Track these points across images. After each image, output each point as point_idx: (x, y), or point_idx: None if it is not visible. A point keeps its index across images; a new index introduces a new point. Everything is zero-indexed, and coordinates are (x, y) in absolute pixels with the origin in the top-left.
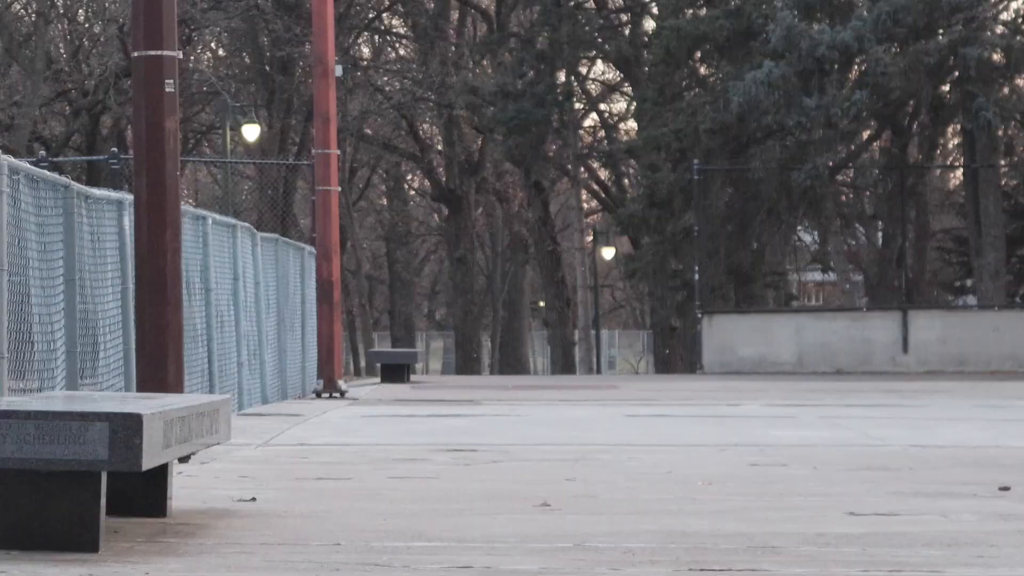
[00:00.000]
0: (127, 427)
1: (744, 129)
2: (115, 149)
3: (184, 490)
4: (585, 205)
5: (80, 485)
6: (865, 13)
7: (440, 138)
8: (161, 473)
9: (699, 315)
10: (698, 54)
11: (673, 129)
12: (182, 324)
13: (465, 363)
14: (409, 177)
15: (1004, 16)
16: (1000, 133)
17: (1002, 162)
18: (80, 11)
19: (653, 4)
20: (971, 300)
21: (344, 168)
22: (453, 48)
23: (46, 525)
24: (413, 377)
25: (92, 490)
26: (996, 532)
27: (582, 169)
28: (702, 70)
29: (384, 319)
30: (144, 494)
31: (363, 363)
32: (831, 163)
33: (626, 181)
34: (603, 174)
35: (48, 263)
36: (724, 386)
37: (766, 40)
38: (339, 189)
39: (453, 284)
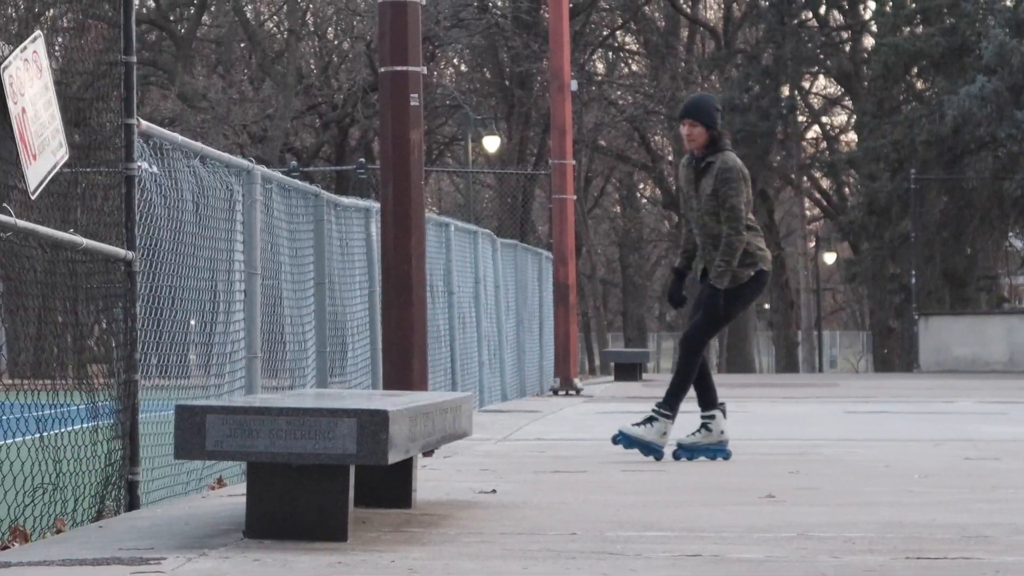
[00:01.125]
0: (374, 423)
1: (958, 141)
2: (362, 160)
3: (428, 482)
4: (807, 212)
5: (329, 478)
6: None
7: (670, 148)
8: (406, 466)
9: (916, 317)
10: (914, 69)
11: (891, 140)
12: (426, 325)
13: None
14: (641, 186)
15: None
16: None
17: None
18: (330, 29)
19: (872, 22)
20: None
21: (579, 177)
22: (683, 64)
23: (297, 515)
24: (645, 376)
25: (341, 482)
26: None
27: (805, 178)
28: (918, 85)
29: (617, 321)
30: (390, 486)
31: (597, 362)
32: None
33: (846, 190)
34: (824, 183)
35: (300, 267)
36: (939, 384)
37: (979, 56)
38: (574, 197)
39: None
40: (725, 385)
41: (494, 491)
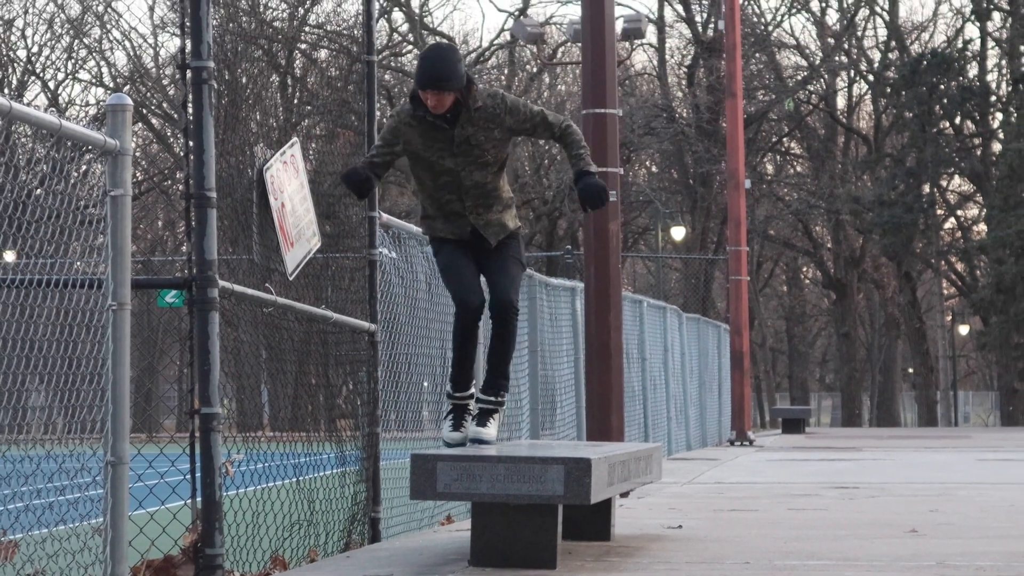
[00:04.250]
0: (579, 469)
1: None
2: (569, 246)
3: (624, 519)
4: (945, 291)
5: (541, 515)
6: None
7: (829, 237)
8: (605, 505)
9: None
10: None
11: (1016, 230)
12: (623, 386)
13: (848, 418)
14: (804, 268)
15: None
16: None
17: None
18: None
19: (1000, 130)
20: None
21: (752, 261)
22: (839, 165)
23: (514, 547)
24: (807, 429)
25: (551, 519)
26: None
27: (943, 262)
28: None
29: (784, 382)
30: (592, 522)
31: (767, 417)
32: None
33: (978, 272)
34: (959, 266)
35: (517, 338)
36: None
37: None
38: (748, 278)
39: (839, 354)
40: (875, 437)
41: (680, 526)
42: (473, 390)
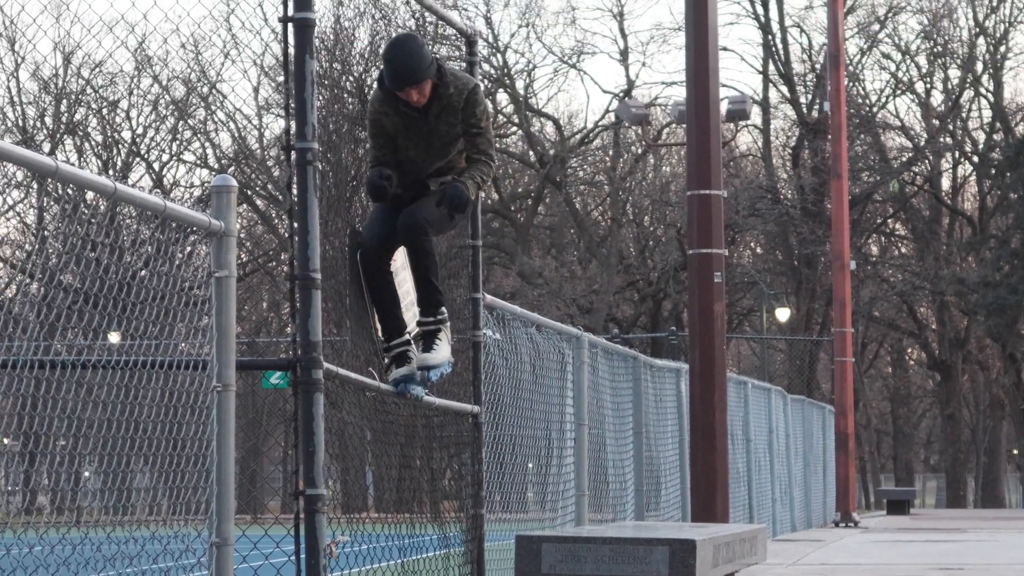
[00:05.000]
0: (683, 550)
1: None
2: (674, 328)
3: None
4: None
5: None
6: None
7: (934, 319)
8: None
9: None
10: None
11: None
12: (727, 467)
13: (953, 499)
14: (908, 350)
15: None
16: None
17: None
18: (646, 217)
19: None
20: None
21: (857, 342)
22: (944, 246)
23: None
24: (912, 510)
25: None
26: None
27: None
28: None
29: (889, 464)
30: None
31: (872, 499)
32: None
33: None
34: None
35: (620, 419)
36: None
37: None
38: (853, 360)
39: (944, 435)
40: (979, 518)
41: None
42: (408, 336)
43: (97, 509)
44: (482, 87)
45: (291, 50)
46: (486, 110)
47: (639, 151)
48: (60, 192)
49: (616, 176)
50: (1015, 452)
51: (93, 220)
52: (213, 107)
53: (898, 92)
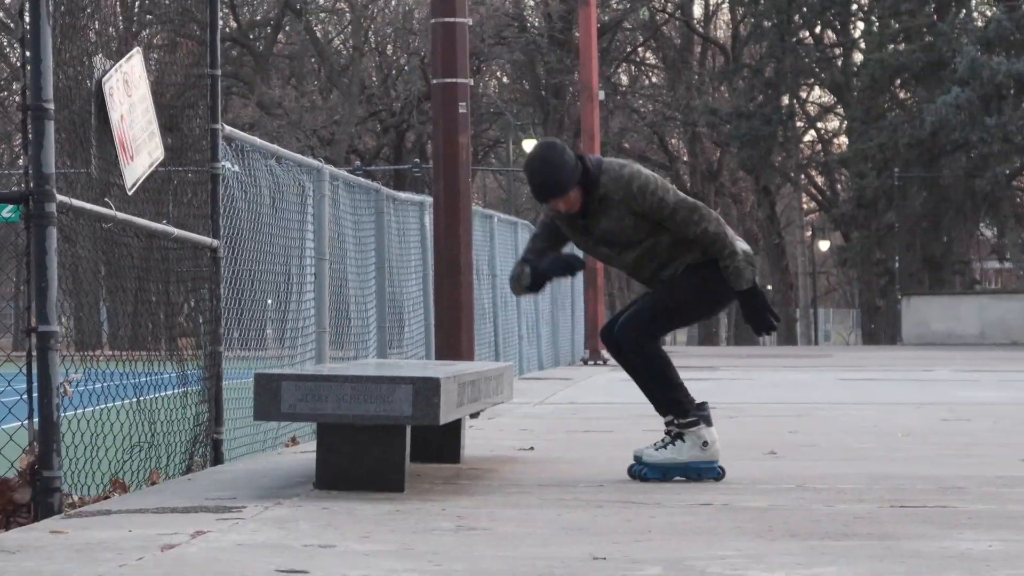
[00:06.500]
0: (427, 389)
1: (936, 143)
2: (417, 160)
3: (474, 441)
4: (805, 206)
5: (389, 437)
6: None
7: (686, 150)
8: (455, 427)
9: (899, 296)
10: (897, 81)
11: (877, 143)
12: (473, 303)
13: (706, 336)
14: None
15: None
16: None
17: None
18: (389, 46)
19: (861, 40)
20: None
21: None
22: (696, 76)
23: (360, 470)
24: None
25: (399, 441)
26: None
27: (802, 176)
28: (901, 95)
29: None
30: (441, 444)
31: None
32: (1008, 171)
33: (838, 186)
34: (820, 180)
35: (362, 253)
36: (919, 355)
37: (954, 70)
38: None
39: None
40: (734, 356)
41: (532, 448)
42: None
43: None
44: (640, 174)
45: None
46: (656, 191)
47: None
48: None
49: (358, 3)
50: (768, 287)
51: None
52: None
53: None
